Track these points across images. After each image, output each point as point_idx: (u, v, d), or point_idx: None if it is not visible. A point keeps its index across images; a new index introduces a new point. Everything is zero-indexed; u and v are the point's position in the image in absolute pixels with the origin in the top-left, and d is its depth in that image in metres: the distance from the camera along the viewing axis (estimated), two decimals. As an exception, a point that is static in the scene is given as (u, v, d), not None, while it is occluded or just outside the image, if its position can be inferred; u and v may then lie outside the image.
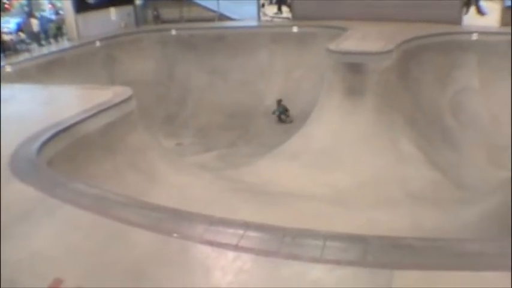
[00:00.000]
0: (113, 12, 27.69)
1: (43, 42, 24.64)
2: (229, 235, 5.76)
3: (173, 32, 26.00)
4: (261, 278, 5.15)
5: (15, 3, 27.93)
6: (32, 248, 5.97)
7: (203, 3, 29.24)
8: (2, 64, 20.08)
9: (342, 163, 15.03)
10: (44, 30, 25.16)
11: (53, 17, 28.09)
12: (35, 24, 24.64)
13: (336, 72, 16.84)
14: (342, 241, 5.62)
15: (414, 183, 14.46)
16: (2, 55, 21.81)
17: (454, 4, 20.94)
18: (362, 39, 18.52)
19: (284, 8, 25.33)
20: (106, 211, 6.61)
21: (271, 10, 25.69)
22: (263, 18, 25.96)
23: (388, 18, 21.46)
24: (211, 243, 5.60)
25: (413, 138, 16.21)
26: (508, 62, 16.97)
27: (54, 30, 25.89)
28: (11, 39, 23.03)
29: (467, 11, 20.91)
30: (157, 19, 29.24)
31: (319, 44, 19.51)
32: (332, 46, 17.24)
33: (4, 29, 23.66)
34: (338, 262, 5.17)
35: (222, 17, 28.16)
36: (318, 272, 5.03)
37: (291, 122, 20.64)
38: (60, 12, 27.57)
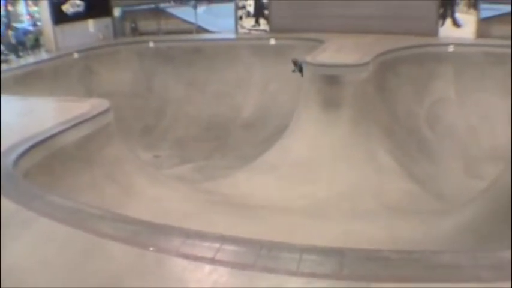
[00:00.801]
0: (91, 24, 27.61)
1: (21, 53, 24.50)
2: (205, 248, 5.73)
3: (151, 44, 26.02)
4: (237, 291, 5.16)
5: (-6, 15, 27.70)
6: (6, 261, 5.92)
7: (181, 15, 29.29)
8: (-23, 76, 19.96)
9: (319, 175, 15.07)
10: (21, 42, 25.03)
11: (31, 28, 27.95)
12: (12, 35, 24.52)
13: (313, 85, 16.90)
14: (318, 254, 5.62)
15: (391, 195, 14.52)
16: (-22, 66, 21.69)
17: (431, 16, 21.16)
18: (339, 51, 18.66)
19: (262, 21, 25.41)
20: (82, 224, 6.55)
21: (249, 23, 25.75)
22: (241, 30, 26.02)
23: (365, 30, 21.63)
24: (187, 257, 5.57)
25: (390, 149, 16.30)
26: (484, 73, 17.21)
27: (32, 41, 25.77)
28: (-12, 51, 22.89)
29: (443, 23, 21.15)
30: (135, 31, 29.21)
31: (297, 56, 19.60)
32: (308, 58, 17.35)
33: (-19, 41, 23.51)
34: (314, 275, 5.17)
35: (200, 30, 28.18)
36: (294, 285, 5.02)
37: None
38: (38, 23, 27.46)
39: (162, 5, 29.25)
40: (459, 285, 4.88)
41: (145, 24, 29.34)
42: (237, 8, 25.99)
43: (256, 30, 25.54)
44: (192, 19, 28.54)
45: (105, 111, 12.47)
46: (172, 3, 29.73)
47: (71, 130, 11.21)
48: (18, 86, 19.86)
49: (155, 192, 12.43)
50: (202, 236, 6.08)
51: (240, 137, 21.00)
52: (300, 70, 19.17)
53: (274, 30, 24.83)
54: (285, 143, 16.86)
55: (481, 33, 20.15)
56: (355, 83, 16.41)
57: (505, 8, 19.77)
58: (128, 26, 29.65)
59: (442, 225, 11.94)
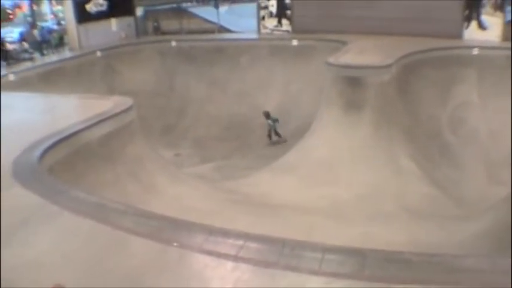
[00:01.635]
0: (113, 23, 27.81)
1: (45, 51, 24.76)
2: (228, 245, 5.77)
3: (173, 44, 26.12)
4: (259, 288, 5.18)
5: (19, 13, 28.06)
6: (31, 253, 6.00)
7: (203, 15, 29.39)
8: (4, 73, 20.21)
9: (339, 177, 15.03)
10: (46, 40, 25.29)
11: (55, 27, 28.24)
12: (37, 34, 24.79)
13: (335, 86, 16.87)
14: (339, 254, 5.63)
15: (411, 198, 14.44)
16: (4, 63, 21.97)
17: (455, 18, 20.93)
18: (361, 52, 18.58)
19: (284, 21, 25.41)
20: (105, 219, 6.64)
21: (271, 23, 25.78)
22: (263, 30, 26.06)
23: (388, 31, 21.50)
24: (210, 253, 5.61)
25: (411, 153, 16.21)
26: (508, 77, 16.98)
27: (57, 40, 26.06)
28: (14, 49, 23.17)
29: (468, 26, 20.92)
30: (158, 30, 29.39)
31: (319, 57, 19.57)
32: (331, 59, 17.32)
33: (7, 39, 23.79)
34: (335, 275, 5.19)
35: (222, 29, 28.31)
36: (315, 284, 5.03)
37: (285, 141, 20.32)
38: (62, 22, 27.72)
39: (184, 5, 29.45)
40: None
41: (167, 24, 29.50)
42: (260, 8, 26.01)
43: (279, 30, 25.53)
44: (214, 19, 28.64)
45: (128, 109, 12.56)
46: (195, 3, 29.86)
47: (94, 127, 11.31)
48: (42, 83, 20.08)
49: (176, 191, 12.49)
50: (225, 233, 6.11)
51: (261, 137, 20.99)
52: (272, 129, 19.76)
53: (296, 30, 24.82)
54: (306, 144, 16.84)
55: (506, 36, 19.81)
56: (377, 85, 16.34)
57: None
58: (150, 25, 29.83)
59: (462, 231, 11.85)
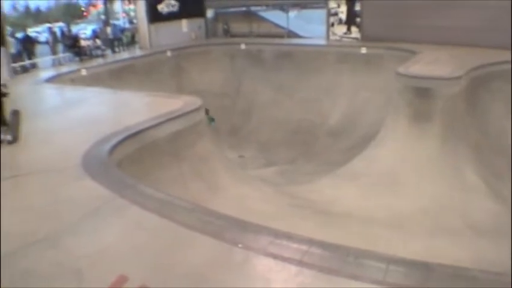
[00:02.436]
0: (184, 24, 28.31)
1: (116, 49, 25.36)
2: (293, 250, 5.80)
3: (242, 46, 26.35)
4: (322, 294, 5.18)
5: (92, 11, 28.81)
6: (100, 243, 6.17)
7: (272, 19, 29.55)
8: (77, 68, 20.89)
9: (403, 188, 14.84)
10: (117, 38, 25.90)
11: (127, 25, 28.88)
12: (109, 31, 25.41)
13: (403, 96, 16.68)
14: (405, 266, 5.58)
15: (476, 214, 14.13)
16: (77, 59, 22.71)
17: (527, 31, 20.40)
18: (431, 63, 18.31)
19: (353, 28, 25.28)
20: (172, 215, 6.78)
21: (340, 30, 25.68)
22: (332, 37, 25.97)
23: (458, 42, 21.11)
24: (275, 256, 5.65)
25: (478, 167, 15.87)
26: None
27: (128, 38, 26.67)
28: (87, 45, 23.81)
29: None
30: (227, 33, 29.75)
31: (387, 66, 19.41)
32: (401, 69, 17.14)
33: (81, 35, 24.48)
34: (399, 286, 5.15)
35: (291, 34, 28.38)
36: (379, 294, 5.03)
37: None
38: (134, 21, 28.33)
39: (254, 8, 29.59)
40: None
41: (237, 26, 29.81)
42: (329, 14, 25.92)
43: (348, 37, 25.40)
44: (283, 23, 28.74)
45: (197, 109, 12.76)
46: (265, 7, 30.01)
47: (164, 125, 11.54)
48: (113, 79, 20.57)
49: (240, 192, 12.59)
50: (290, 237, 6.14)
51: (326, 144, 20.97)
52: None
53: (365, 38, 24.66)
54: (371, 153, 16.70)
55: None
56: (446, 97, 16.07)
57: None
58: (220, 27, 30.23)
59: (529, 249, 11.53)
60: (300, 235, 6.17)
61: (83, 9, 32.51)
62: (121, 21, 29.96)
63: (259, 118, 23.86)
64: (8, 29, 22.86)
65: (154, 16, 26.65)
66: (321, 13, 26.85)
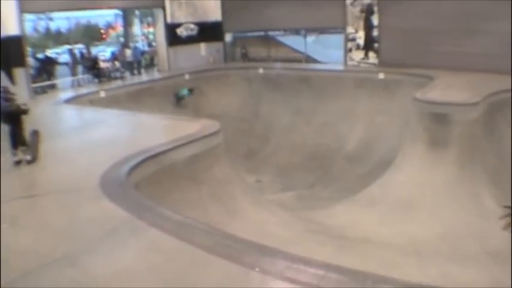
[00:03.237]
0: (202, 48, 28.57)
1: (135, 71, 25.59)
2: (310, 274, 5.81)
3: (260, 71, 26.51)
4: (340, 319, 5.16)
5: (112, 34, 29.11)
6: (117, 264, 6.19)
7: (290, 44, 29.71)
8: (96, 89, 21.12)
9: (420, 214, 14.76)
10: (137, 61, 26.14)
11: (146, 48, 29.15)
12: (129, 54, 25.63)
13: (421, 122, 16.66)
14: (422, 291, 5.57)
15: (494, 241, 13.97)
16: (96, 81, 22.97)
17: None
18: (448, 89, 18.28)
19: (371, 54, 25.33)
20: (190, 238, 6.80)
21: (358, 55, 25.73)
22: (349, 62, 26.03)
23: (476, 67, 21.00)
24: (292, 281, 5.64)
25: (495, 194, 15.74)
26: None
27: (148, 60, 26.92)
28: (107, 67, 24.05)
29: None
30: (245, 57, 29.91)
31: (404, 92, 19.38)
32: (418, 95, 17.13)
33: (100, 57, 24.73)
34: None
35: (309, 59, 28.52)
36: (396, 319, 5.00)
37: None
38: (153, 44, 28.60)
39: (272, 33, 29.74)
40: None
41: (255, 51, 29.99)
42: (347, 39, 26.02)
43: (365, 63, 25.45)
44: (301, 48, 28.87)
45: (215, 133, 12.81)
46: (283, 32, 30.17)
47: (181, 148, 11.62)
48: (132, 101, 20.72)
49: (257, 216, 12.60)
50: (307, 262, 6.13)
51: (343, 169, 20.94)
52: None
53: (383, 64, 24.68)
54: (388, 179, 16.65)
55: None
56: (464, 123, 16.03)
57: None
58: (238, 51, 30.42)
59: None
60: (317, 260, 6.15)
61: (102, 31, 32.78)
62: (140, 44, 30.22)
63: (277, 142, 23.90)
64: (28, 49, 23.15)
65: (173, 39, 26.94)
66: (338, 38, 26.89)
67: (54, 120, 16.66)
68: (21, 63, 20.30)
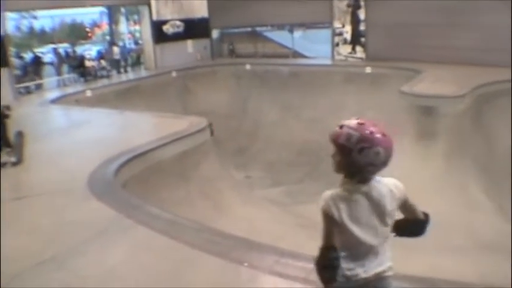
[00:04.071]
0: (189, 45, 28.47)
1: (122, 70, 25.48)
2: (298, 268, 5.82)
3: (248, 67, 26.46)
4: (329, 312, 5.14)
5: (97, 32, 28.98)
6: (107, 264, 6.17)
7: (278, 39, 29.67)
8: (82, 89, 21.00)
9: (408, 206, 14.80)
10: (124, 59, 26.04)
11: (132, 46, 29.05)
12: (116, 52, 25.50)
13: (408, 115, 16.71)
14: (409, 282, 5.62)
15: (482, 232, 14.08)
16: (82, 80, 22.84)
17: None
18: (436, 82, 18.32)
19: (358, 48, 25.35)
20: (179, 235, 6.80)
21: (345, 50, 25.75)
22: (337, 57, 26.06)
23: (462, 61, 21.08)
24: (280, 275, 5.65)
25: (484, 185, 15.83)
26: None
27: (134, 59, 26.81)
28: (93, 66, 23.92)
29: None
30: (233, 53, 29.88)
31: (392, 86, 19.36)
32: (405, 88, 17.19)
33: (86, 56, 24.60)
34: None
35: (296, 54, 28.46)
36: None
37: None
38: (139, 42, 28.49)
39: (259, 29, 29.70)
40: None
41: (242, 47, 29.94)
42: (334, 34, 26.04)
43: (353, 57, 25.47)
44: (288, 44, 28.85)
45: (203, 129, 12.78)
46: (270, 28, 30.13)
47: (169, 145, 11.58)
48: (119, 100, 20.63)
49: (246, 212, 12.59)
50: (295, 256, 6.14)
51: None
52: None
53: (370, 58, 24.72)
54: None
55: None
56: (451, 115, 16.11)
57: None
58: (225, 47, 30.34)
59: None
60: (305, 254, 6.14)
61: (87, 30, 32.63)
62: (126, 42, 30.11)
63: (266, 138, 23.87)
64: (12, 49, 23.00)
65: (160, 37, 26.83)
66: (326, 33, 26.88)
67: (40, 121, 16.55)
68: (4, 63, 20.11)
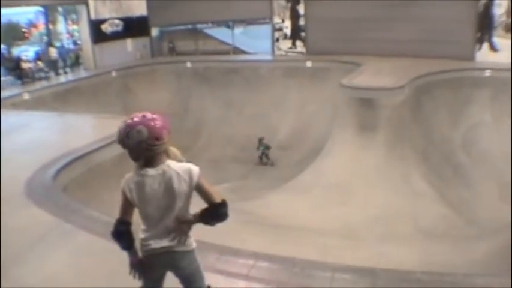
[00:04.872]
0: (129, 44, 28.13)
1: (60, 71, 24.99)
2: (239, 265, 5.85)
3: (188, 64, 26.33)
4: (271, 308, 5.21)
5: (34, 32, 28.36)
6: (47, 271, 6.08)
7: (218, 36, 29.60)
8: (19, 92, 20.49)
9: (353, 197, 15.04)
10: (63, 59, 25.55)
11: (71, 46, 28.54)
12: (53, 53, 24.99)
13: (349, 107, 16.94)
14: (350, 273, 5.69)
15: (425, 219, 14.42)
16: (19, 82, 22.26)
17: (467, 41, 20.90)
18: (375, 74, 18.60)
19: (298, 43, 25.52)
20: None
21: (285, 45, 25.88)
22: (277, 52, 26.16)
23: (402, 53, 21.46)
24: (222, 273, 5.67)
25: (425, 173, 16.21)
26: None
27: (73, 59, 26.33)
28: (30, 68, 23.37)
29: (480, 48, 20.91)
30: (173, 51, 29.65)
31: (333, 79, 19.59)
32: (345, 81, 17.37)
33: (23, 57, 24.02)
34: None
35: (237, 51, 28.44)
36: (326, 303, 5.08)
37: (272, 165, 20.99)
38: (78, 42, 28.02)
39: (199, 26, 29.59)
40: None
41: (182, 45, 29.74)
42: (274, 30, 26.14)
43: (293, 52, 25.62)
44: (229, 40, 28.81)
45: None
46: (210, 25, 30.05)
47: (108, 147, 11.41)
48: (58, 102, 20.27)
49: (190, 210, 12.50)
50: (236, 252, 6.17)
51: (276, 158, 21.07)
52: (262, 153, 19.46)
53: (311, 52, 24.90)
54: (319, 165, 16.86)
55: (519, 58, 19.68)
56: (391, 106, 16.39)
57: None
58: (165, 45, 30.10)
59: (476, 250, 11.85)
60: (246, 250, 6.20)
61: (24, 30, 31.85)
62: (65, 42, 29.56)
63: (209, 136, 23.83)
64: None
65: (99, 36, 26.35)
66: (266, 29, 26.92)
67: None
68: None
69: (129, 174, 3.97)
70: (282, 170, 19.78)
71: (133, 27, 28.21)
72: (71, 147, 11.32)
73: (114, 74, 24.85)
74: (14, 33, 29.72)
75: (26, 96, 20.18)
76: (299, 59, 24.76)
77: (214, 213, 4.17)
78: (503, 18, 20.24)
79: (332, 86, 19.31)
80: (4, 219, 7.73)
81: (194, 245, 4.36)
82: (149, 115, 3.87)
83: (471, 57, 20.80)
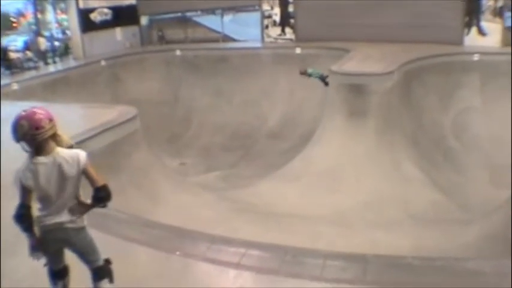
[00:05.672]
0: (118, 32, 28.01)
1: (49, 60, 24.84)
2: (230, 254, 5.85)
3: (178, 53, 26.24)
4: (262, 296, 5.22)
5: (23, 22, 28.11)
6: (35, 264, 6.04)
7: (208, 24, 29.48)
8: (8, 82, 20.30)
9: (343, 184, 15.03)
10: (52, 49, 25.39)
11: (60, 36, 28.34)
12: (42, 42, 24.89)
13: (338, 94, 16.89)
14: (341, 260, 5.69)
15: (416, 204, 14.43)
16: (8, 72, 22.06)
17: (456, 25, 20.95)
18: (364, 60, 18.61)
19: (287, 30, 25.47)
20: (109, 228, 6.68)
21: (274, 32, 25.83)
22: (267, 39, 26.12)
23: (391, 39, 21.47)
24: (213, 262, 5.67)
25: (415, 159, 16.20)
26: (509, 82, 16.97)
27: (62, 49, 26.15)
28: (18, 58, 23.21)
29: (468, 32, 20.95)
30: (162, 39, 29.51)
31: (322, 65, 19.51)
32: (334, 67, 17.37)
33: (11, 47, 23.85)
34: (338, 281, 5.24)
35: (226, 38, 28.35)
36: (318, 290, 5.09)
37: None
38: (67, 31, 27.83)
39: (189, 14, 29.45)
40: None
41: (172, 33, 29.60)
42: (263, 17, 26.09)
43: (282, 39, 25.58)
44: (218, 28, 28.71)
45: (132, 118, 12.61)
46: (199, 12, 29.92)
47: (98, 137, 11.37)
48: (47, 92, 20.15)
49: (180, 199, 12.51)
50: (227, 241, 6.17)
51: (266, 146, 21.05)
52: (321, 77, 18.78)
53: (300, 39, 24.87)
54: (310, 153, 16.84)
55: (506, 41, 19.78)
56: (380, 92, 16.35)
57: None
58: (155, 34, 29.96)
59: (467, 234, 11.87)
60: (237, 238, 6.21)
61: (13, 19, 31.59)
62: (54, 32, 29.33)
63: (199, 124, 23.76)
64: None
65: (87, 25, 26.23)
66: (255, 16, 26.87)
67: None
68: None
69: (23, 164, 4.61)
70: (272, 158, 19.75)
71: (122, 16, 28.08)
72: (61, 137, 11.25)
73: (103, 63, 24.76)
74: (3, 23, 29.49)
75: (15, 87, 20.04)
76: (288, 45, 24.75)
77: (95, 196, 4.79)
78: (491, 3, 20.31)
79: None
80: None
81: (85, 222, 4.99)
82: (31, 109, 4.51)
83: (460, 42, 20.87)
